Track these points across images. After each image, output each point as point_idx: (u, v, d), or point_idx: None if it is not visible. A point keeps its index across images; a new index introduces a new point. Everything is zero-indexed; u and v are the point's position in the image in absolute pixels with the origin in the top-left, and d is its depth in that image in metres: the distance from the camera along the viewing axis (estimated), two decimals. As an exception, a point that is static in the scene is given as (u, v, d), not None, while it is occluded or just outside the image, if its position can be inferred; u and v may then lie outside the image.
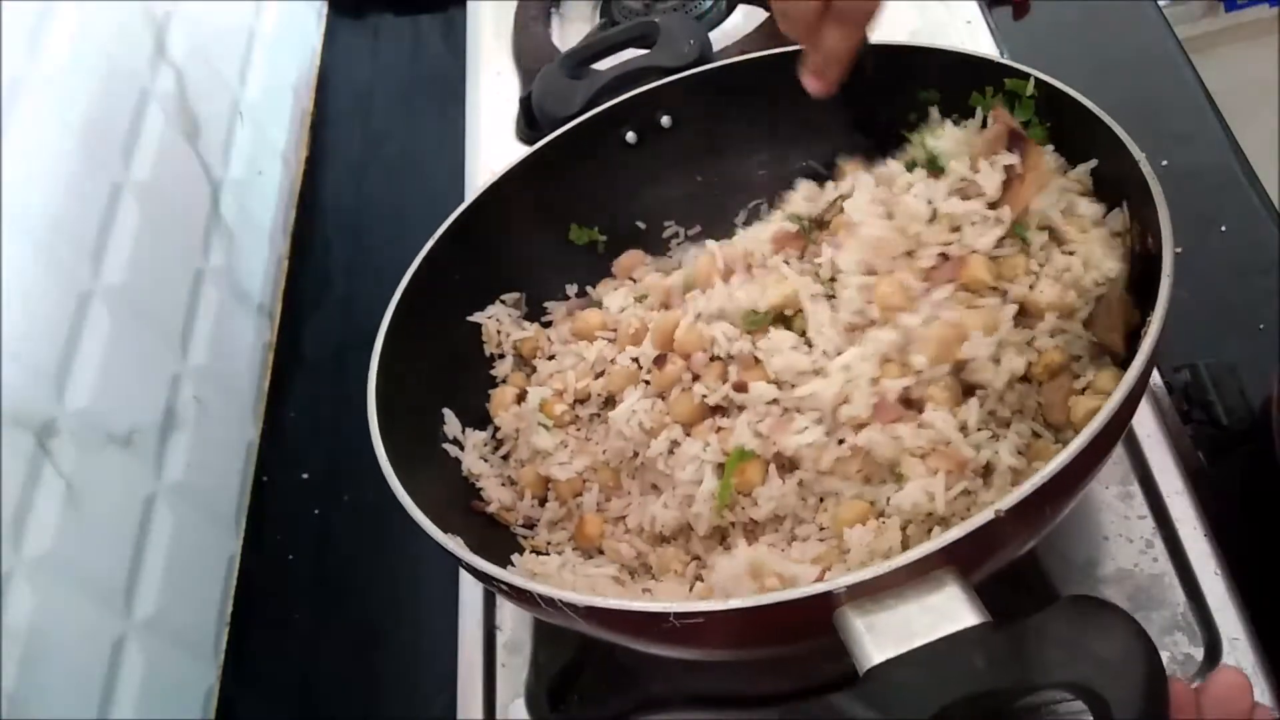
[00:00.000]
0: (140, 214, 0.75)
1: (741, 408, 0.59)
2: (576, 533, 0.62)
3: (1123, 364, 0.54)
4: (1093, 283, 0.55)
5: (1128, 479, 0.65)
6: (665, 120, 0.74)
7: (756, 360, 0.59)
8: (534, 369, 0.70)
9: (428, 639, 0.70)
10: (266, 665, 0.75)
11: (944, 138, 0.60)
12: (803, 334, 0.58)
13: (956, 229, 0.57)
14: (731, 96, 0.72)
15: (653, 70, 0.77)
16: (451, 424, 0.65)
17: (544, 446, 0.65)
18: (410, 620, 0.74)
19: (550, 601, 0.46)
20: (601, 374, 0.67)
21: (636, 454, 0.62)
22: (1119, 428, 0.47)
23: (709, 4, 0.97)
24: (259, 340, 0.91)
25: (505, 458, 0.67)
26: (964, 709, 0.39)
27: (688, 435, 0.60)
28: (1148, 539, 0.62)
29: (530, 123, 0.91)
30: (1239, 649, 0.57)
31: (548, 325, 0.73)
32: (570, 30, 1.05)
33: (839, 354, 0.56)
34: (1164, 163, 0.77)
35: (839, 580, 0.41)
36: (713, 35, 0.92)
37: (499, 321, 0.70)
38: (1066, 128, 0.59)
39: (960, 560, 0.42)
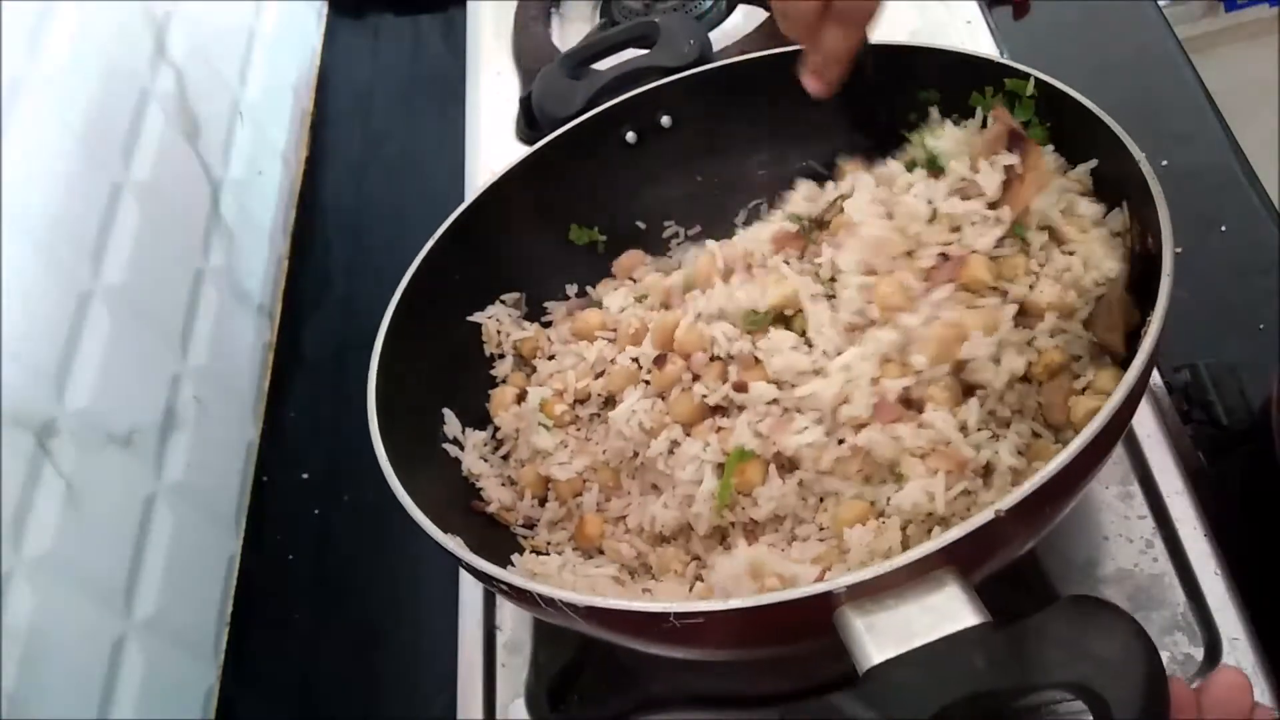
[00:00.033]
0: (140, 214, 0.75)
1: (741, 408, 0.59)
2: (577, 533, 0.62)
3: (1123, 364, 0.53)
4: (1093, 282, 0.55)
5: (1128, 479, 0.64)
6: (665, 120, 0.74)
7: (756, 360, 0.59)
8: (534, 369, 0.70)
9: (428, 639, 0.70)
10: (266, 665, 0.75)
11: (944, 138, 0.60)
12: (803, 334, 0.58)
13: (956, 229, 0.57)
14: (732, 96, 0.72)
15: (653, 70, 0.77)
16: (451, 424, 0.65)
17: (544, 446, 0.65)
18: (410, 620, 0.74)
19: (550, 601, 0.46)
20: (601, 374, 0.67)
21: (636, 454, 0.62)
22: (1119, 427, 0.47)
23: (709, 4, 0.97)
24: (259, 340, 0.91)
25: (505, 458, 0.67)
26: (964, 709, 0.39)
27: (688, 435, 0.60)
28: (1148, 539, 0.62)
29: (530, 123, 0.91)
30: (1239, 649, 0.57)
31: (548, 325, 0.73)
32: (570, 30, 1.05)
33: (839, 354, 0.56)
34: (1164, 163, 0.77)
35: (839, 580, 0.41)
36: (713, 35, 0.92)
37: (499, 321, 0.70)
38: (1066, 128, 0.59)
39: (960, 560, 0.42)
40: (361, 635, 0.74)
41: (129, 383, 0.71)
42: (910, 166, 0.61)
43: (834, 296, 0.59)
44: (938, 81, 0.64)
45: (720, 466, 0.58)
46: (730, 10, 0.97)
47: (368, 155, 1.05)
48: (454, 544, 0.51)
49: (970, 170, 0.58)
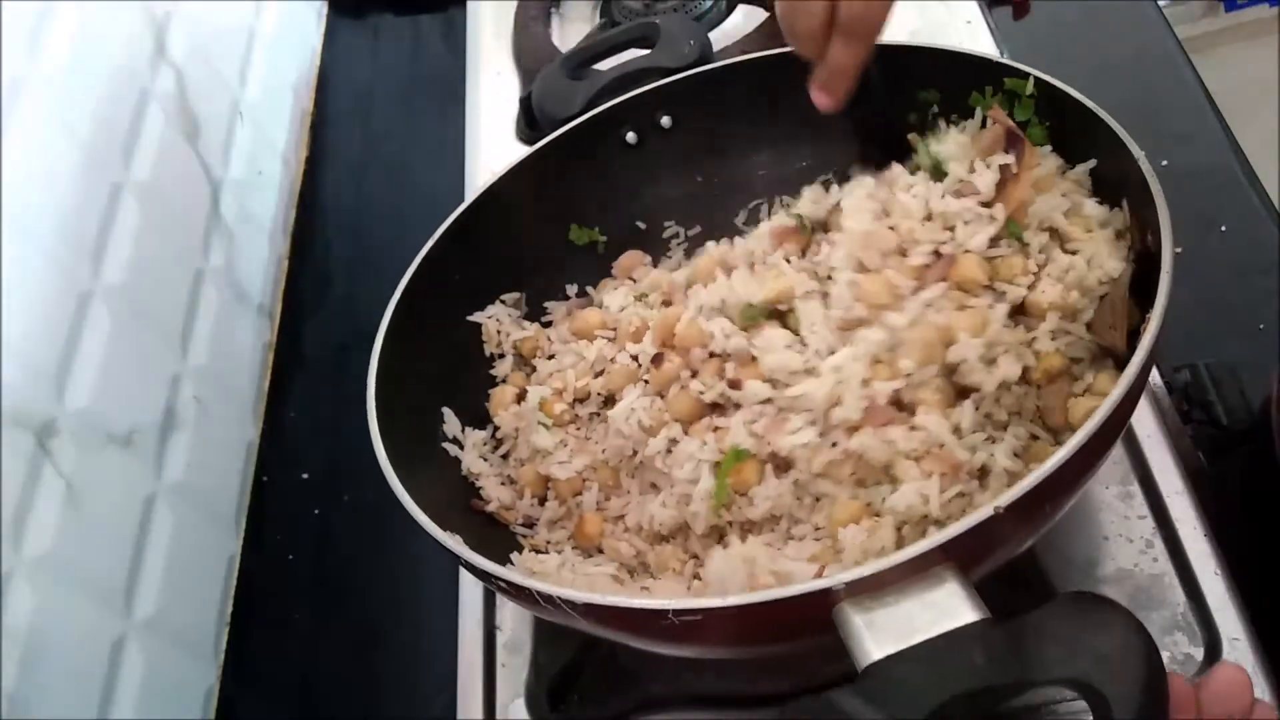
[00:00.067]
0: (140, 214, 0.75)
1: (739, 406, 0.59)
2: (576, 531, 0.62)
3: (1123, 364, 0.53)
4: (1096, 282, 0.55)
5: (1128, 479, 0.64)
6: (665, 120, 0.74)
7: (753, 358, 0.59)
8: (534, 368, 0.70)
9: (428, 639, 0.70)
10: (266, 665, 0.75)
11: (947, 142, 0.60)
12: (799, 332, 0.58)
13: (951, 228, 0.57)
14: (732, 97, 0.72)
15: (653, 71, 0.77)
16: (451, 423, 0.65)
17: (544, 445, 0.65)
18: (410, 620, 0.74)
19: (549, 599, 0.46)
20: (601, 373, 0.67)
21: (635, 453, 0.62)
22: (1118, 425, 0.47)
23: (709, 4, 0.97)
24: (259, 340, 0.91)
25: (505, 457, 0.67)
26: (963, 705, 0.39)
27: (686, 434, 0.60)
28: (1148, 539, 0.62)
29: (530, 123, 0.91)
30: (1239, 649, 0.57)
31: (548, 325, 0.73)
32: (570, 30, 1.05)
33: (831, 353, 0.55)
34: (1164, 163, 0.77)
35: (838, 576, 0.41)
36: (713, 35, 0.92)
37: (499, 321, 0.70)
38: (1066, 127, 0.59)
39: (960, 557, 0.42)
40: (361, 635, 0.74)
41: (129, 383, 0.71)
42: (915, 172, 0.61)
43: (829, 294, 0.59)
44: (937, 81, 0.64)
45: (718, 465, 0.58)
46: (730, 10, 0.97)
47: (368, 155, 1.05)
48: (453, 542, 0.51)
49: (967, 171, 0.58)
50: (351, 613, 0.76)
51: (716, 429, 0.59)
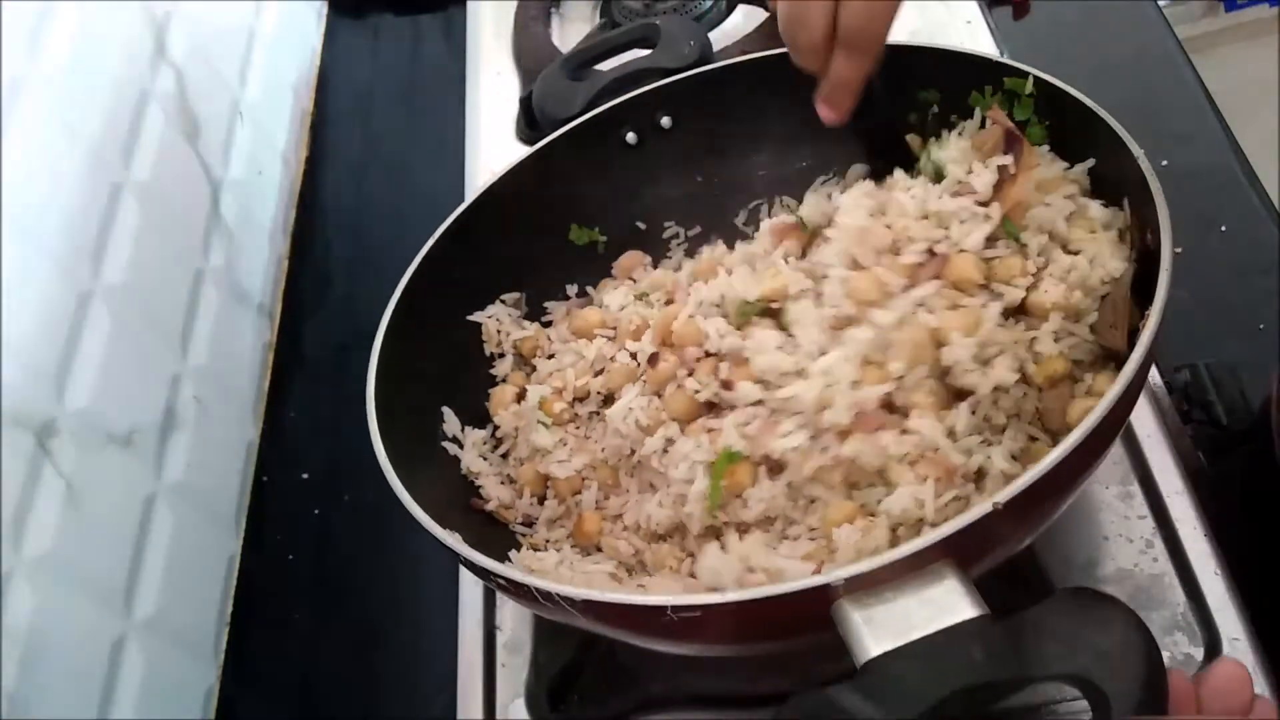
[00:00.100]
0: (140, 214, 0.75)
1: (733, 406, 0.59)
2: (575, 530, 0.62)
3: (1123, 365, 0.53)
4: (1099, 281, 0.55)
5: (1128, 479, 0.64)
6: (665, 121, 0.74)
7: (747, 358, 0.59)
8: (534, 368, 0.70)
9: (428, 639, 0.70)
10: (266, 665, 0.75)
11: (948, 148, 0.60)
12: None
13: (946, 227, 0.57)
14: (732, 97, 0.72)
15: (653, 71, 0.77)
16: (451, 423, 0.65)
17: (543, 444, 0.65)
18: (410, 620, 0.74)
19: (548, 596, 0.46)
20: (601, 372, 0.67)
21: (633, 452, 0.62)
22: (1118, 422, 0.47)
23: (709, 4, 0.97)
24: (259, 340, 0.91)
25: (505, 456, 0.67)
26: (962, 701, 0.39)
27: (683, 433, 0.60)
28: (1148, 539, 0.62)
29: (530, 123, 0.91)
30: (1239, 649, 0.57)
31: (548, 325, 0.73)
32: (570, 30, 1.05)
33: (823, 354, 0.55)
34: (1164, 163, 0.77)
35: (837, 573, 0.41)
36: (713, 35, 0.92)
37: (499, 321, 0.70)
38: (1066, 126, 0.59)
39: (958, 553, 0.42)
40: (361, 635, 0.74)
41: (129, 383, 0.71)
42: (916, 176, 0.61)
43: (823, 294, 0.58)
44: (937, 81, 0.64)
45: (713, 466, 0.57)
46: (730, 10, 0.97)
47: (368, 155, 1.05)
48: (453, 540, 0.51)
49: (966, 172, 0.58)
50: (351, 613, 0.76)
51: (710, 430, 0.59)
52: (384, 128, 1.07)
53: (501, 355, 0.70)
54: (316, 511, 0.81)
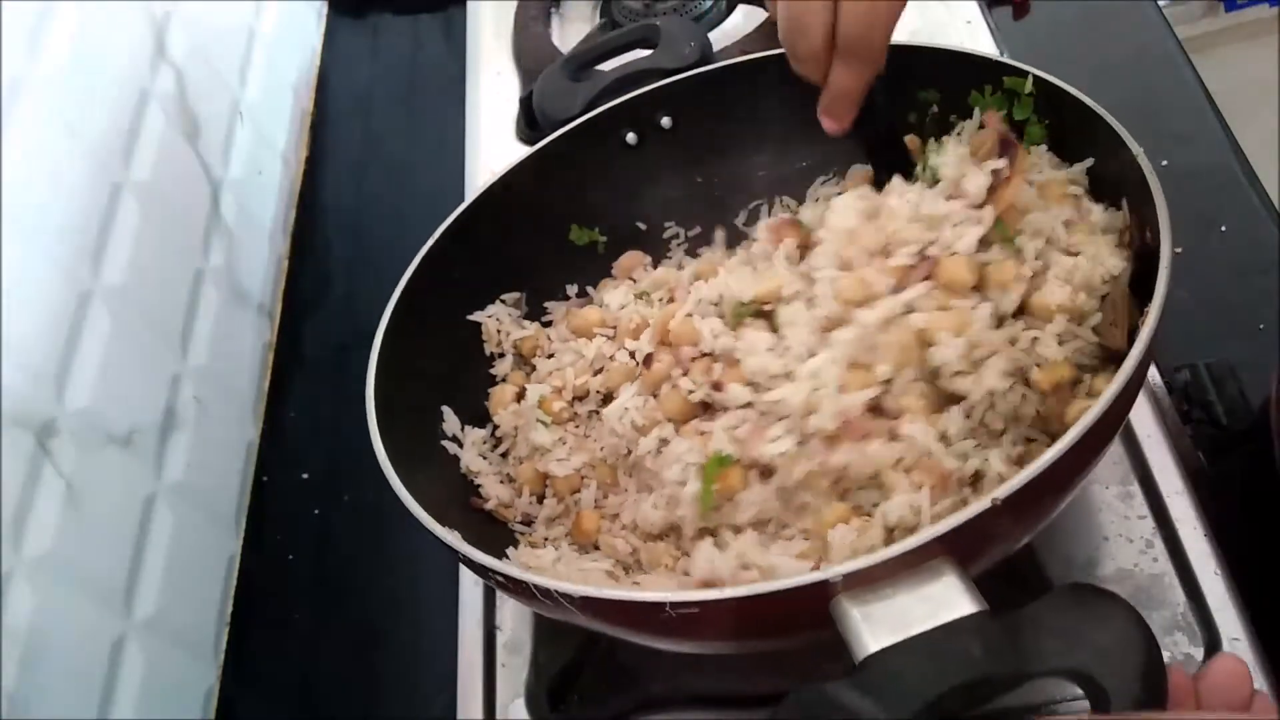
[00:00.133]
0: (140, 214, 0.75)
1: (725, 408, 0.58)
2: (573, 528, 0.62)
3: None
4: (1099, 280, 0.54)
5: (1128, 479, 0.64)
6: (665, 121, 0.74)
7: (739, 359, 0.58)
8: (534, 368, 0.70)
9: (428, 639, 0.70)
10: (266, 665, 0.75)
11: (946, 154, 0.60)
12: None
13: (938, 229, 0.56)
14: (732, 97, 0.72)
15: (653, 72, 0.77)
16: (451, 422, 0.65)
17: (542, 443, 0.65)
18: (410, 620, 0.74)
19: (547, 593, 0.46)
20: (600, 371, 0.67)
21: (630, 451, 0.62)
22: (1118, 418, 0.47)
23: (709, 4, 0.97)
24: (259, 340, 0.91)
25: (504, 455, 0.67)
26: (961, 696, 0.39)
27: (678, 433, 0.60)
28: (1148, 539, 0.62)
29: (530, 123, 0.91)
30: (1239, 649, 0.57)
31: (548, 325, 0.73)
32: (570, 30, 1.05)
33: (812, 355, 0.55)
34: (1164, 163, 0.77)
35: (836, 569, 0.41)
36: (712, 35, 0.92)
37: (499, 321, 0.70)
38: (1065, 125, 0.59)
39: (957, 550, 0.42)
40: (361, 635, 0.74)
41: (129, 383, 0.71)
42: (914, 181, 0.61)
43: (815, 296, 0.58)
44: (937, 81, 0.64)
45: (704, 469, 0.57)
46: (730, 11, 0.97)
47: (368, 155, 1.05)
48: (452, 537, 0.51)
49: (959, 175, 0.58)
50: (351, 613, 0.76)
51: (703, 433, 0.58)
52: (384, 128, 1.07)
53: (501, 355, 0.70)
54: (316, 511, 0.81)
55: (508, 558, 0.59)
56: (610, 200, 0.75)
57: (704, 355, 0.61)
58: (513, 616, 0.68)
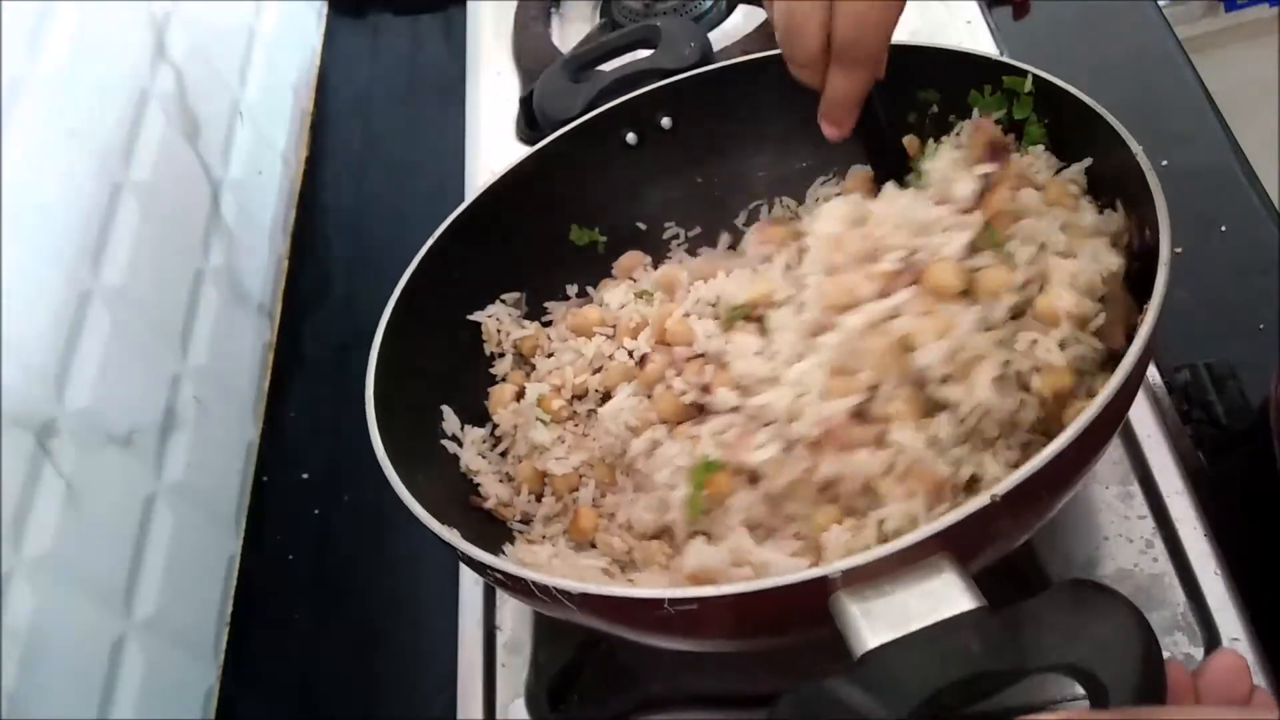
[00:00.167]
0: (140, 214, 0.75)
1: (715, 411, 0.58)
2: (571, 525, 0.62)
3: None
4: (1100, 280, 0.54)
5: (1128, 479, 0.64)
6: (666, 121, 0.74)
7: (728, 362, 0.58)
8: (534, 367, 0.70)
9: (428, 639, 0.70)
10: (266, 665, 0.75)
11: (939, 159, 0.60)
12: None
13: (926, 234, 0.56)
14: (732, 97, 0.72)
15: (654, 72, 0.77)
16: (450, 421, 0.65)
17: (541, 441, 0.65)
18: (410, 620, 0.74)
19: (545, 590, 0.46)
20: (599, 370, 0.67)
21: (624, 451, 0.62)
22: (1117, 415, 0.47)
23: (709, 4, 0.97)
24: (259, 340, 0.91)
25: (503, 455, 0.67)
26: (960, 692, 0.39)
27: (671, 435, 0.60)
28: (1148, 539, 0.62)
29: (530, 123, 0.91)
30: (1239, 649, 0.57)
31: (548, 324, 0.73)
32: (570, 30, 1.05)
33: (799, 359, 0.55)
34: (1164, 163, 0.77)
35: (835, 565, 0.41)
36: (712, 36, 0.92)
37: (499, 320, 0.70)
38: (1064, 124, 0.59)
39: (956, 546, 0.42)
40: (361, 635, 0.74)
41: (129, 383, 0.71)
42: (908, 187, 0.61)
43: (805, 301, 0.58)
44: (937, 81, 0.64)
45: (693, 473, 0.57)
46: (730, 11, 0.97)
47: (368, 155, 1.05)
48: (451, 535, 0.51)
49: (948, 179, 0.57)
50: (351, 613, 0.76)
51: (694, 436, 0.58)
52: (384, 128, 1.07)
53: (501, 354, 0.70)
54: (316, 511, 0.81)
55: (503, 554, 0.59)
56: (610, 200, 0.74)
57: (698, 356, 0.61)
58: (513, 616, 0.68)
